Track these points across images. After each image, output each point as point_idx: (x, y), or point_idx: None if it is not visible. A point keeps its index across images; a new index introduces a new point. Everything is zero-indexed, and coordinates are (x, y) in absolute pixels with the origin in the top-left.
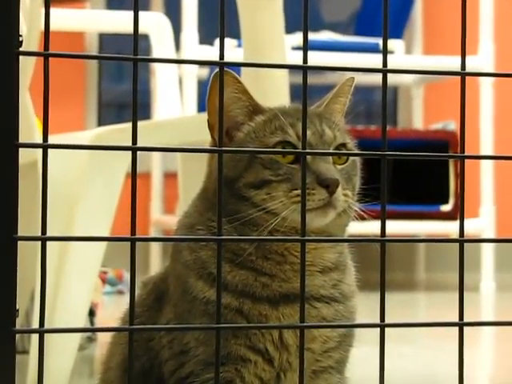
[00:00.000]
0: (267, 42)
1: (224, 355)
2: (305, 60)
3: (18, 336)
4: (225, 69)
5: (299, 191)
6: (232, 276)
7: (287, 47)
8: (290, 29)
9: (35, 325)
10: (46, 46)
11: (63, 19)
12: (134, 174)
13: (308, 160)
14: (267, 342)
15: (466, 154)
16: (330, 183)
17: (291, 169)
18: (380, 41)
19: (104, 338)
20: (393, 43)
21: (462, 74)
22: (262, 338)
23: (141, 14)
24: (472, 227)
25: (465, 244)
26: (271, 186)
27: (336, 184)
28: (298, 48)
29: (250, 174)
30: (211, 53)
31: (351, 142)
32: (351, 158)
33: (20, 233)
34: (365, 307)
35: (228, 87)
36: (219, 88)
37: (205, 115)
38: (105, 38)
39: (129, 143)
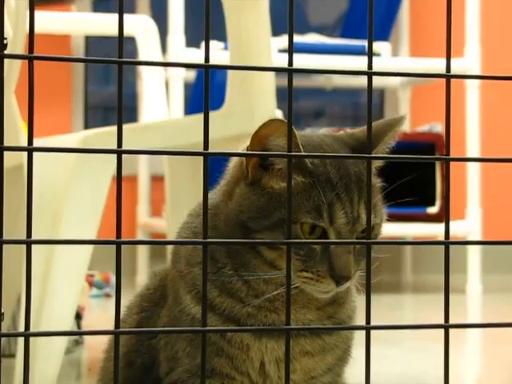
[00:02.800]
0: (253, 44)
1: (208, 370)
2: (290, 63)
3: (5, 339)
4: (282, 119)
5: (310, 275)
6: (220, 301)
7: (273, 50)
8: (276, 31)
9: (22, 328)
10: (31, 48)
11: (49, 22)
12: (119, 176)
13: (331, 237)
14: (249, 369)
15: (451, 156)
16: (342, 280)
17: (312, 250)
18: (366, 43)
19: (91, 342)
20: (379, 45)
21: (447, 77)
22: (243, 363)
23: (127, 16)
24: (459, 229)
25: (451, 246)
26: (284, 254)
27: (347, 280)
28: (284, 50)
29: (270, 236)
30: (197, 55)
31: (383, 212)
32: (374, 232)
33: (6, 236)
34: None
35: (280, 137)
36: (204, 90)
37: (191, 118)
38: (91, 41)
39: (115, 146)
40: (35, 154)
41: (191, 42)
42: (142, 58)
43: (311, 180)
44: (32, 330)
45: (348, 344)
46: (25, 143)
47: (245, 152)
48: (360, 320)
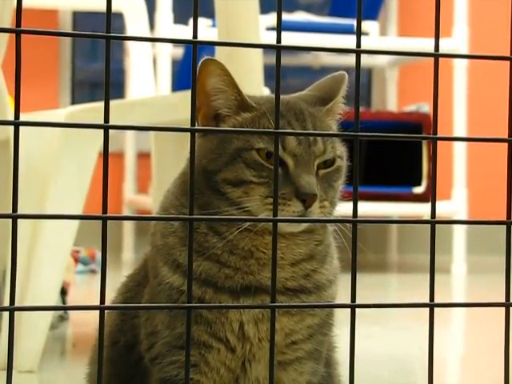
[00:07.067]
0: (241, 21)
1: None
2: (278, 40)
3: None
4: (213, 58)
5: None
6: (196, 265)
7: (261, 27)
8: (264, 9)
9: (7, 303)
10: (18, 22)
11: None
12: (105, 152)
13: (290, 166)
14: (228, 332)
15: (438, 135)
16: (308, 198)
17: (273, 175)
18: (355, 22)
19: (76, 317)
20: (368, 25)
21: (436, 56)
22: (222, 327)
23: None
24: (444, 209)
25: (437, 226)
26: (249, 187)
27: (313, 199)
28: (272, 28)
29: (230, 170)
30: (185, 32)
31: (342, 148)
32: (336, 163)
33: None
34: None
35: (214, 77)
36: (192, 67)
37: (178, 95)
38: (79, 16)
39: (102, 122)
40: (22, 129)
41: (179, 18)
42: (129, 33)
43: (259, 112)
44: (17, 304)
45: (328, 310)
46: (11, 118)
47: (231, 129)
48: (345, 298)
